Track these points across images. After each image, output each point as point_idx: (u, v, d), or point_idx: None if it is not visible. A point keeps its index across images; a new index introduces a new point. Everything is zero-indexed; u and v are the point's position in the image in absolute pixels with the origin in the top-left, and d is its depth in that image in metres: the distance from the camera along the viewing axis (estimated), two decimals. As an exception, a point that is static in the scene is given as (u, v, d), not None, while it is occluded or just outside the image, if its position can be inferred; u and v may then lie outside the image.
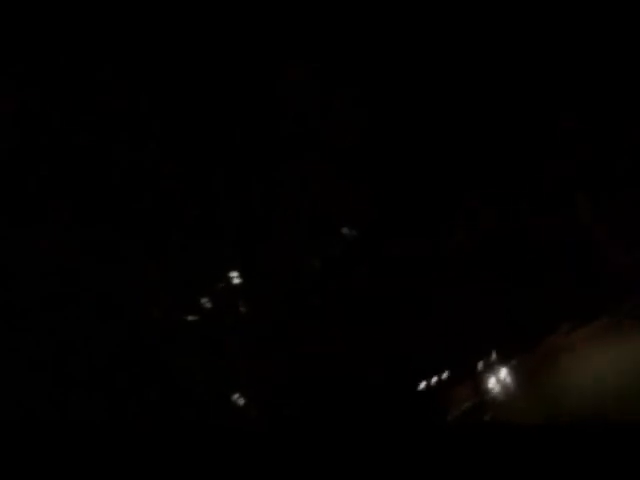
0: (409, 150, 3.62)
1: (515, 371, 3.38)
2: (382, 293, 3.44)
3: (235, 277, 3.41)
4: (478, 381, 3.41)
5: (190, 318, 3.29)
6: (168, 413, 2.94)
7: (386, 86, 3.56)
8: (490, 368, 3.43)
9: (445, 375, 3.39)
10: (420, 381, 3.38)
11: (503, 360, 3.43)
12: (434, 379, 3.39)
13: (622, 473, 1.98)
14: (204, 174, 3.46)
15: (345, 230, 3.52)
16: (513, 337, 3.44)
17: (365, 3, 3.48)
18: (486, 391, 3.35)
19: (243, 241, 3.46)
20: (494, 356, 3.44)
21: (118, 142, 3.36)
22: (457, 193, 3.58)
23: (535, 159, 3.58)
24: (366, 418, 3.00)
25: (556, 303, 3.42)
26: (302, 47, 3.46)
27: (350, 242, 3.51)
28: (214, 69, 3.47)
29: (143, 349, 3.10)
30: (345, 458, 2.13)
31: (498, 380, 3.38)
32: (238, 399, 3.14)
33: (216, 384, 3.18)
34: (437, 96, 3.58)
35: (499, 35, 3.50)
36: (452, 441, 2.24)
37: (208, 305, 3.34)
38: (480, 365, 3.44)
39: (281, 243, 3.47)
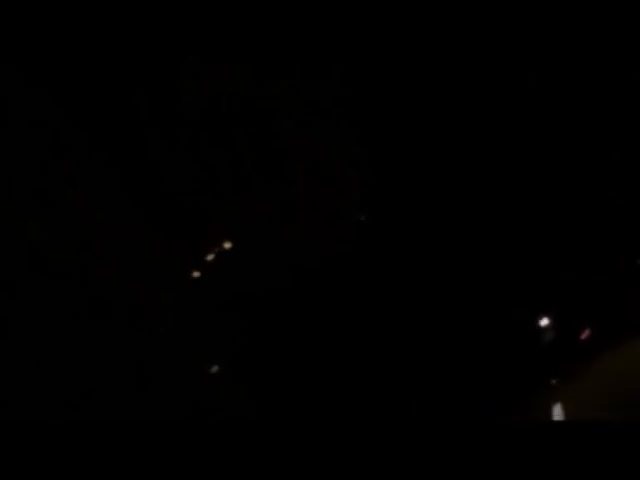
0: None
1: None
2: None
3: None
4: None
5: (191, 316, 3.30)
6: (167, 411, 2.95)
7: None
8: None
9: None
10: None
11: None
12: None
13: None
14: (205, 173, 3.47)
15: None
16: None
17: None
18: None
19: (247, 238, 3.47)
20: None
21: (118, 142, 3.38)
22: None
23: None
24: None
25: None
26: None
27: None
28: (212, 71, 3.49)
29: (142, 346, 3.11)
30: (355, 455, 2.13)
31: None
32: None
33: (215, 380, 3.19)
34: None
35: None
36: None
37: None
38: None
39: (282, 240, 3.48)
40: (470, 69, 3.52)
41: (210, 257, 3.44)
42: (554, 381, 3.36)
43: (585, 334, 3.42)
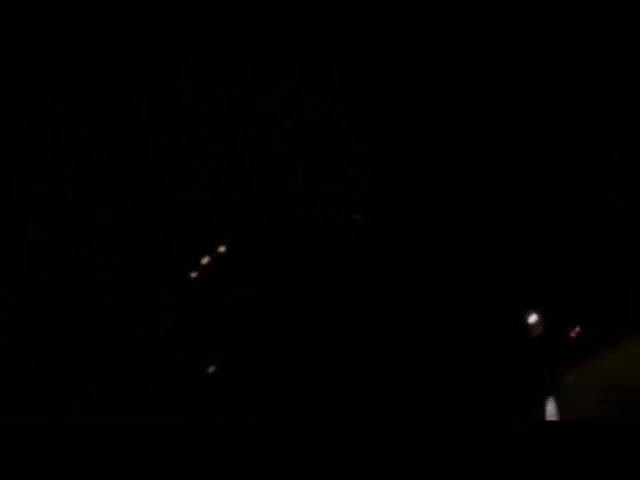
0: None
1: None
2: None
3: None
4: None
5: (192, 317, 3.30)
6: (167, 411, 2.95)
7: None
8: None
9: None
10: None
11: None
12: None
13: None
14: (205, 173, 3.47)
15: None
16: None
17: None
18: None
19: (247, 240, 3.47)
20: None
21: (118, 142, 3.38)
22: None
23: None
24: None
25: None
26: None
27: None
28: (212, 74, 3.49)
29: (142, 344, 3.11)
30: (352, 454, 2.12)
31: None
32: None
33: (216, 380, 3.19)
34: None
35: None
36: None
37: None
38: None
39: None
40: (470, 69, 3.52)
41: (210, 257, 3.44)
42: (553, 380, 3.36)
43: (575, 331, 3.43)
